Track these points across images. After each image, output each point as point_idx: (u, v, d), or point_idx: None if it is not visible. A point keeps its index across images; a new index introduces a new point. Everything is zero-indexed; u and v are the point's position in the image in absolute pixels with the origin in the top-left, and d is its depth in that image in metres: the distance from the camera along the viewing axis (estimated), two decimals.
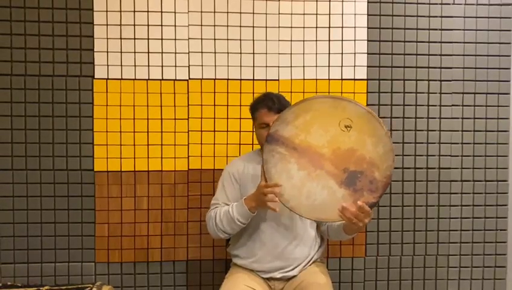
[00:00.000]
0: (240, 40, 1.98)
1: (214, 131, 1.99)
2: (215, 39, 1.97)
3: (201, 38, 1.96)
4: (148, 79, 1.95)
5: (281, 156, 1.41)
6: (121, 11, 1.94)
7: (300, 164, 1.40)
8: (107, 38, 1.93)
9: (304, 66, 2.00)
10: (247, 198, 1.50)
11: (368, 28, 2.02)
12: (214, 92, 1.98)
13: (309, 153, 1.39)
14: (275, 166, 1.41)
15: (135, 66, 1.95)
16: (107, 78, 1.94)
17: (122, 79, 1.94)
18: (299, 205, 1.42)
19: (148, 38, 1.95)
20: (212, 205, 1.63)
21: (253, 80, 1.99)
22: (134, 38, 1.94)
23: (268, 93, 1.64)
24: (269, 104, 1.54)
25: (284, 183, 1.41)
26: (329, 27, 2.01)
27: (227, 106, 1.99)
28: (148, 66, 1.95)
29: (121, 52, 1.94)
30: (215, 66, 1.97)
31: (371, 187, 1.37)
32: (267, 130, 1.51)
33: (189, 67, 1.97)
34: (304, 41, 2.00)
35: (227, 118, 1.99)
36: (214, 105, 1.98)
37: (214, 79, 1.98)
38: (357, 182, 1.38)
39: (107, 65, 1.94)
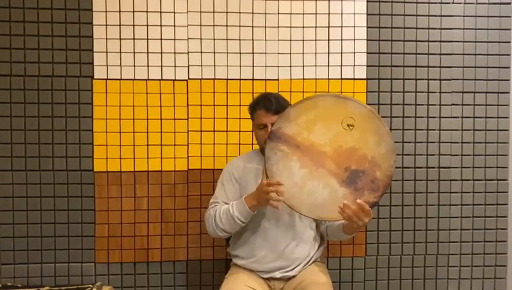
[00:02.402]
0: (239, 40, 1.98)
1: (214, 131, 1.99)
2: (214, 39, 1.97)
3: (201, 38, 1.96)
4: (148, 79, 1.95)
5: (283, 154, 1.41)
6: (120, 11, 1.93)
7: (302, 162, 1.40)
8: (106, 39, 1.93)
9: (303, 66, 2.00)
10: (247, 196, 1.50)
11: (367, 27, 2.02)
12: (214, 92, 1.98)
13: (311, 152, 1.40)
14: (276, 164, 1.42)
15: (134, 66, 1.94)
16: (107, 79, 1.94)
17: (121, 79, 1.94)
18: (300, 203, 1.42)
19: (147, 39, 1.94)
20: (211, 204, 1.62)
21: (253, 79, 1.99)
22: (134, 39, 1.94)
23: (267, 93, 1.64)
24: (267, 105, 1.54)
25: (285, 182, 1.41)
26: (328, 26, 2.01)
27: (227, 105, 1.99)
28: (148, 66, 1.95)
29: (120, 52, 1.94)
30: (214, 66, 1.97)
31: (372, 186, 1.38)
32: (265, 130, 1.52)
33: (188, 67, 1.97)
34: (303, 40, 2.00)
35: (227, 118, 1.99)
36: (214, 105, 1.98)
37: (214, 79, 1.98)
38: (358, 181, 1.38)
39: (107, 65, 1.93)
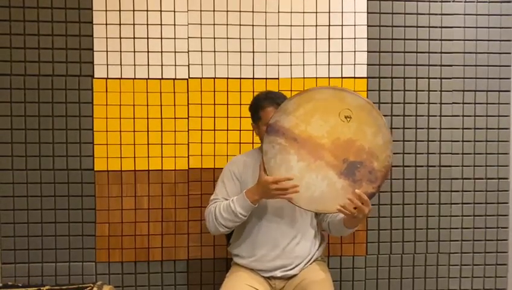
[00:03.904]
0: (240, 38, 1.97)
1: (214, 130, 1.99)
2: (214, 38, 1.97)
3: (201, 37, 1.96)
4: (148, 78, 1.95)
5: (281, 147, 1.40)
6: (120, 10, 1.93)
7: (300, 154, 1.40)
8: (107, 38, 1.93)
9: (303, 65, 2.00)
10: (248, 191, 1.49)
11: (368, 26, 2.02)
12: (214, 91, 1.98)
13: (309, 144, 1.40)
14: (274, 157, 1.41)
15: (135, 65, 1.94)
16: (107, 78, 1.94)
17: (121, 78, 1.94)
18: (298, 196, 1.42)
19: (147, 38, 1.94)
20: (212, 201, 1.61)
21: (253, 78, 1.99)
22: (134, 38, 1.94)
23: (271, 91, 1.63)
24: (278, 102, 1.50)
25: (283, 175, 1.40)
26: (329, 25, 2.00)
27: (227, 104, 1.98)
28: (148, 65, 1.95)
29: (121, 51, 1.94)
30: (214, 64, 1.97)
31: (370, 177, 1.38)
32: None
33: (188, 66, 1.97)
34: (303, 39, 2.00)
35: (227, 117, 1.99)
36: (214, 104, 1.98)
37: (214, 78, 1.97)
38: (356, 173, 1.39)
39: (107, 64, 1.93)
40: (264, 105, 1.56)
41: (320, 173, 1.40)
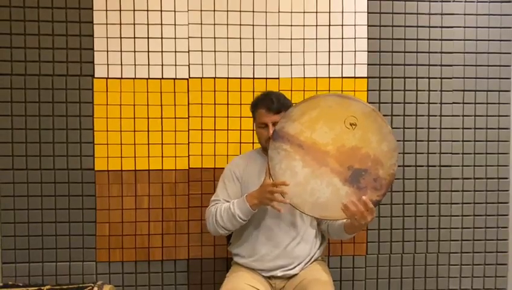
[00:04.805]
0: (240, 38, 1.98)
1: (214, 130, 1.99)
2: (215, 38, 1.97)
3: (201, 37, 1.96)
4: (148, 78, 1.95)
5: (286, 153, 1.41)
6: (120, 10, 1.93)
7: (305, 161, 1.41)
8: (107, 38, 1.93)
9: (304, 64, 2.00)
10: (249, 195, 1.50)
11: (368, 25, 2.02)
12: (214, 91, 1.98)
13: (314, 151, 1.40)
14: (279, 163, 1.42)
15: (135, 65, 1.94)
16: (107, 78, 1.94)
17: (122, 78, 1.94)
18: (303, 202, 1.42)
19: (148, 37, 1.94)
20: (212, 202, 1.62)
21: (253, 78, 1.99)
22: (134, 38, 1.94)
23: (269, 92, 1.64)
24: (268, 105, 1.54)
25: (288, 181, 1.41)
26: (329, 25, 2.00)
27: (228, 104, 1.99)
28: (148, 65, 1.95)
29: (121, 51, 1.94)
30: (215, 64, 1.97)
31: (375, 185, 1.38)
32: (266, 129, 1.53)
33: (189, 66, 1.97)
34: (304, 39, 2.00)
35: (228, 117, 1.99)
36: (214, 104, 1.98)
37: (214, 78, 1.98)
38: (361, 180, 1.39)
39: (107, 64, 1.93)
40: (257, 107, 1.58)
41: (325, 179, 1.41)
